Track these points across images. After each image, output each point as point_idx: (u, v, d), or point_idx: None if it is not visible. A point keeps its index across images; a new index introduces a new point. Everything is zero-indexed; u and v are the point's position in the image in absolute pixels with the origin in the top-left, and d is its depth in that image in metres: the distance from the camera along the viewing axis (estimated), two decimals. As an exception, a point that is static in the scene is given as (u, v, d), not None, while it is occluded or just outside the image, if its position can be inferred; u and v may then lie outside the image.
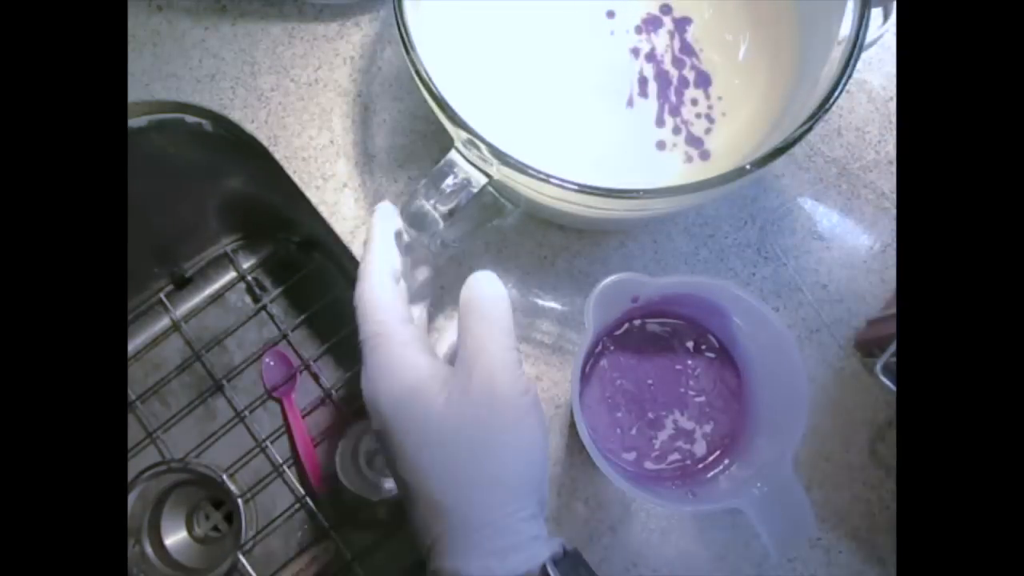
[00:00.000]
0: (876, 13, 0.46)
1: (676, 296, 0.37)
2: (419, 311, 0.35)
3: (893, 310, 0.40)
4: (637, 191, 0.29)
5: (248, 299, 0.66)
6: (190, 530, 0.62)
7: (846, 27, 0.32)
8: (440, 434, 0.29)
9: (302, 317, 0.64)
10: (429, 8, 0.36)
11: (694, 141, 0.35)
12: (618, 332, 0.39)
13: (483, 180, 0.31)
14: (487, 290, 0.31)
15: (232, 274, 0.66)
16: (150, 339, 0.65)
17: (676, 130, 0.36)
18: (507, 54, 0.37)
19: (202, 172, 0.55)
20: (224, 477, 0.59)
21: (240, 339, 0.65)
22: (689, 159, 0.35)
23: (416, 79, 0.31)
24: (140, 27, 0.46)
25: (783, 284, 0.43)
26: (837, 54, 0.32)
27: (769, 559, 0.40)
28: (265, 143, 0.44)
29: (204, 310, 0.65)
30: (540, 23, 0.37)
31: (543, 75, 0.37)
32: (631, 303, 0.37)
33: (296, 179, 0.44)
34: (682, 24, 0.37)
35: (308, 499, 0.61)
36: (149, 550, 0.60)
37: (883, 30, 0.44)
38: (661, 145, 0.35)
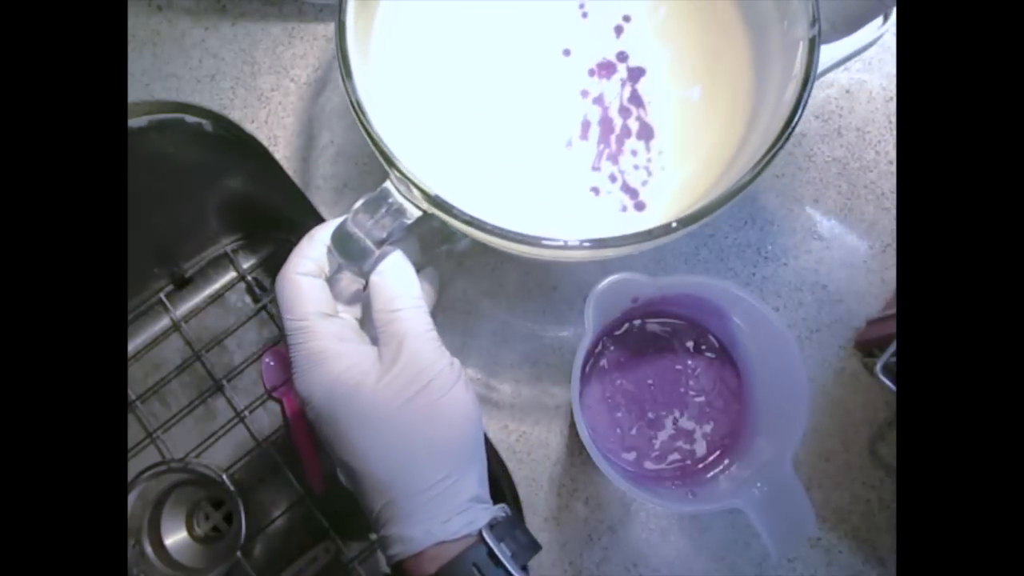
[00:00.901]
0: (876, 13, 0.46)
1: (676, 296, 0.37)
2: (349, 314, 0.35)
3: (893, 310, 0.40)
4: (561, 241, 0.29)
5: (248, 299, 0.66)
6: (190, 530, 0.62)
7: (798, 68, 0.32)
8: (374, 414, 0.30)
9: (302, 317, 0.64)
10: (380, 35, 0.36)
11: (629, 191, 0.35)
12: (618, 332, 0.39)
13: (417, 212, 0.31)
14: (399, 276, 0.32)
15: (232, 274, 0.66)
16: (150, 339, 0.65)
17: (612, 178, 0.35)
18: (458, 86, 0.36)
19: (202, 172, 0.55)
20: (224, 477, 0.59)
21: (240, 339, 0.65)
22: (624, 208, 0.35)
23: (352, 109, 0.31)
24: (140, 27, 0.46)
25: (783, 284, 0.43)
26: (784, 111, 0.31)
27: (769, 559, 0.40)
28: (265, 143, 0.44)
29: (204, 310, 0.65)
30: (495, 55, 0.37)
31: (491, 108, 0.36)
32: (631, 303, 0.37)
33: (296, 179, 0.44)
34: (636, 74, 0.36)
35: (308, 499, 0.61)
36: (149, 550, 0.60)
37: (883, 30, 0.44)
38: (596, 191, 0.35)
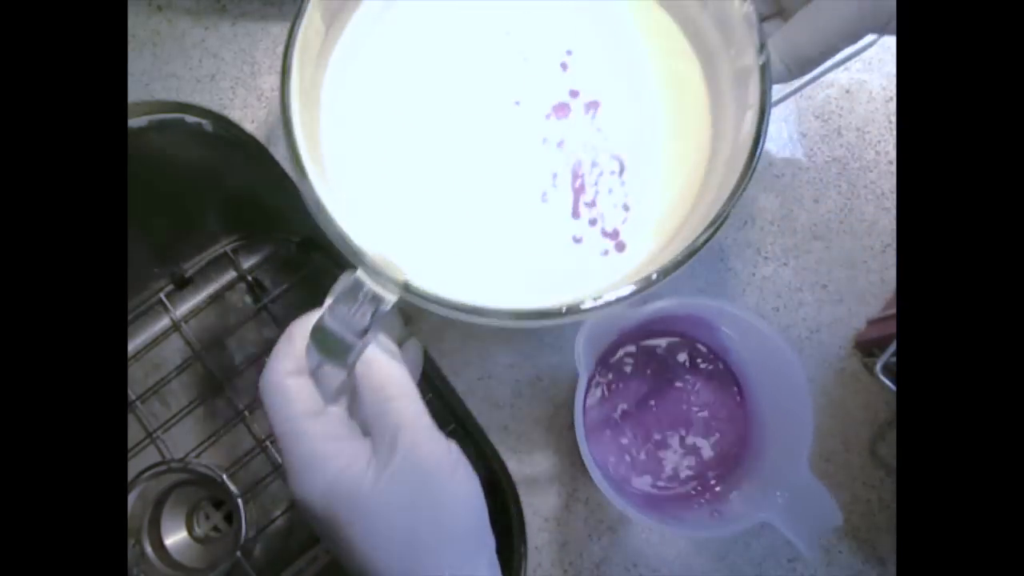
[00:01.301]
0: (876, 13, 0.46)
1: (664, 317, 0.37)
2: (338, 406, 0.33)
3: (893, 310, 0.40)
4: (552, 311, 0.29)
5: (248, 299, 0.66)
6: (190, 530, 0.62)
7: (753, 97, 0.31)
8: (376, 516, 0.29)
9: (302, 317, 0.64)
10: (330, 120, 0.35)
11: (609, 232, 0.34)
12: (612, 359, 0.39)
13: (394, 298, 0.29)
14: (384, 364, 0.31)
15: (232, 274, 0.66)
16: (150, 339, 0.64)
17: (592, 222, 0.34)
18: (418, 162, 0.35)
19: (202, 172, 0.55)
20: (224, 477, 0.59)
21: (240, 339, 0.65)
22: (605, 252, 0.34)
23: (312, 208, 0.30)
24: (140, 27, 0.46)
25: (783, 284, 0.43)
26: (746, 142, 0.31)
27: (769, 559, 0.40)
28: (265, 143, 0.44)
29: (204, 310, 0.65)
30: (448, 125, 0.35)
31: (457, 179, 0.35)
32: (619, 332, 0.37)
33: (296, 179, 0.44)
34: (592, 108, 0.35)
35: (308, 499, 0.61)
36: (149, 550, 0.59)
37: (883, 30, 0.44)
38: (578, 239, 0.34)
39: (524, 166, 0.35)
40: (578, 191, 0.34)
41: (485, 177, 0.35)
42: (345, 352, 0.29)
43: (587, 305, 0.29)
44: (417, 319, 0.42)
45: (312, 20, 0.32)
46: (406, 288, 0.29)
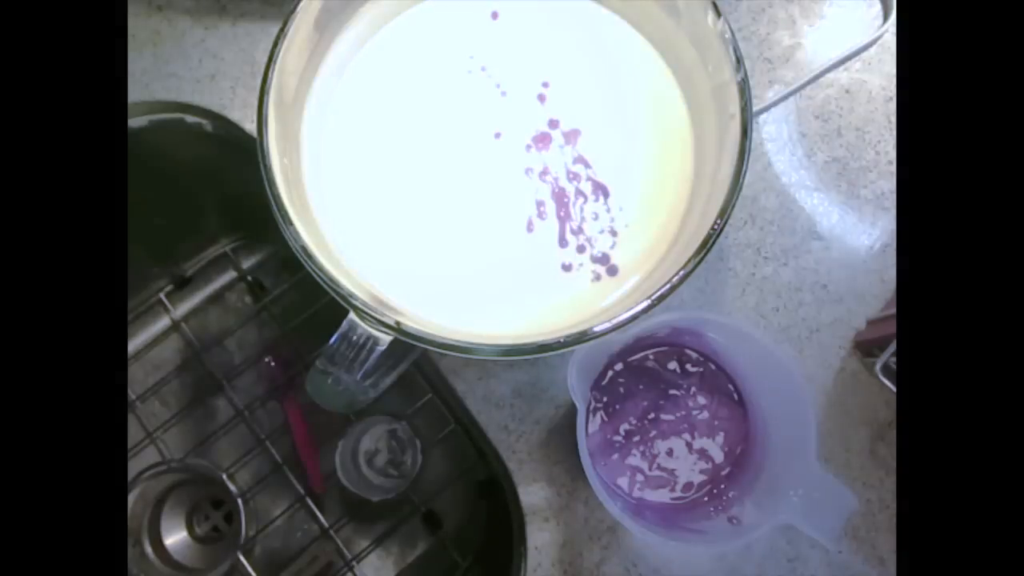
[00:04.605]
0: (876, 13, 0.46)
1: (650, 333, 0.37)
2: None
3: (893, 310, 0.40)
4: (548, 344, 0.29)
5: (248, 299, 0.66)
6: (190, 530, 0.62)
7: (734, 113, 0.31)
8: None
9: (302, 317, 0.64)
10: (312, 164, 0.35)
11: (600, 258, 0.34)
12: (603, 383, 0.39)
13: (389, 338, 0.29)
14: None
15: (232, 274, 0.66)
16: (150, 339, 0.64)
17: (580, 248, 0.34)
18: (402, 204, 0.35)
19: (202, 172, 0.55)
20: (224, 477, 0.59)
21: (240, 339, 0.65)
22: (597, 277, 0.34)
23: (299, 255, 0.30)
24: (140, 27, 0.46)
25: (783, 284, 0.43)
26: (730, 157, 0.31)
27: (769, 559, 0.40)
28: (265, 143, 0.44)
29: (204, 310, 0.65)
30: (430, 163, 0.35)
31: (442, 217, 0.35)
32: (607, 356, 0.37)
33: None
34: (572, 137, 0.35)
35: (308, 499, 0.61)
36: (149, 550, 0.60)
37: (883, 30, 0.44)
38: (567, 267, 0.34)
39: (508, 198, 0.35)
40: (563, 219, 0.34)
41: (470, 211, 0.35)
42: (343, 398, 0.29)
43: (589, 334, 0.29)
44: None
45: (286, 63, 0.32)
46: (399, 329, 0.29)
